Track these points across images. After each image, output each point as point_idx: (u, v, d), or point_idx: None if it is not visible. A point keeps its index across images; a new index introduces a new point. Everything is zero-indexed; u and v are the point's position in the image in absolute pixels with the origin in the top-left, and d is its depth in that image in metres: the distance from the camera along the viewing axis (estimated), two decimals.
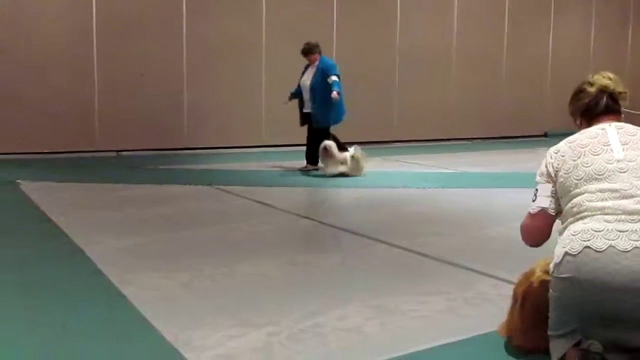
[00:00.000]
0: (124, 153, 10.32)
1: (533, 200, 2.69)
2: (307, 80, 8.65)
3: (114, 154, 10.25)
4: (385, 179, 8.07)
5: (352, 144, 8.37)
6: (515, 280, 2.88)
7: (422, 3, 12.78)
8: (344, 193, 6.93)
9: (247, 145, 11.33)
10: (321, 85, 8.41)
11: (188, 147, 10.92)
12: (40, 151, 9.76)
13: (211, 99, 11.05)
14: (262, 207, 6.11)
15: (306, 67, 8.77)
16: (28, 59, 9.69)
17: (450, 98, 13.20)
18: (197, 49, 10.87)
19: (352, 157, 8.11)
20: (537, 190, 2.69)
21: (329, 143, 8.12)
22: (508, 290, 2.99)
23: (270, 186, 7.34)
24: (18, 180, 7.36)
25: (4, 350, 2.76)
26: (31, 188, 6.92)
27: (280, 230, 5.19)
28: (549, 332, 2.50)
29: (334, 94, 8.27)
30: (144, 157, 10.00)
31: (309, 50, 8.77)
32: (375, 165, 9.29)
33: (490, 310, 3.27)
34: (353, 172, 8.07)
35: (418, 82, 12.81)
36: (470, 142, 12.99)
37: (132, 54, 10.33)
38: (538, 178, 2.69)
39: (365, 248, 4.59)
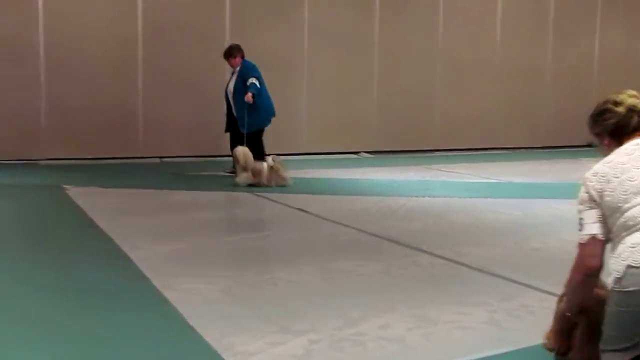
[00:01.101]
0: (166, 159, 10.46)
1: (580, 230, 2.60)
2: (230, 85, 8.59)
3: (157, 160, 10.41)
4: (425, 188, 8.02)
5: (393, 152, 8.34)
6: (559, 293, 2.83)
7: (465, 11, 12.69)
8: (384, 201, 6.91)
9: (288, 152, 11.38)
10: (242, 89, 8.29)
11: (230, 154, 11.00)
12: (86, 157, 9.96)
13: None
14: (303, 214, 6.13)
15: (232, 73, 8.69)
16: (75, 67, 9.90)
17: (492, 106, 13.06)
18: None
19: (271, 167, 7.80)
20: (581, 219, 2.60)
21: (241, 150, 7.85)
22: (552, 303, 2.95)
23: (311, 194, 7.36)
24: (65, 186, 7.51)
25: (52, 351, 2.83)
26: (77, 193, 7.07)
27: (320, 237, 5.20)
28: (603, 347, 2.46)
29: (247, 96, 8.14)
30: (186, 163, 10.13)
31: (229, 54, 8.63)
32: (415, 174, 9.25)
33: (534, 323, 3.22)
34: (269, 182, 7.68)
35: (459, 90, 12.71)
36: (511, 152, 12.83)
37: (175, 62, 10.48)
38: (580, 207, 2.61)
39: (407, 257, 4.57)
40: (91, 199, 6.72)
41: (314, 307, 3.45)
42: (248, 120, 8.24)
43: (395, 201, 6.96)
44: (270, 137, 11.33)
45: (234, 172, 8.18)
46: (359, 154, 11.87)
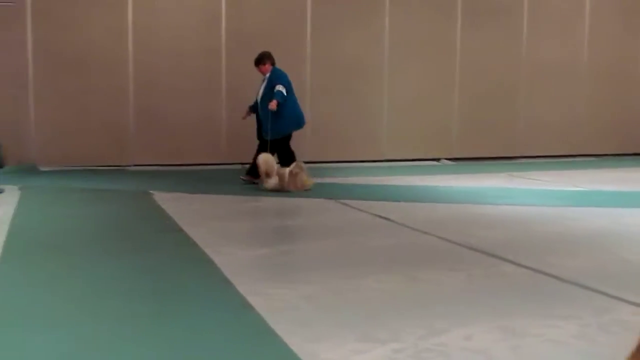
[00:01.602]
0: (248, 166, 10.61)
1: None
2: (260, 92, 8.53)
3: (239, 166, 10.58)
4: (509, 195, 7.83)
5: (475, 159, 8.20)
6: None
7: (551, 15, 12.35)
8: (466, 209, 6.79)
9: (368, 159, 11.38)
10: (269, 96, 8.23)
11: (310, 160, 11.09)
12: (171, 163, 10.25)
13: (333, 114, 11.19)
14: (384, 222, 6.09)
15: (263, 80, 8.62)
16: (162, 78, 10.23)
17: (579, 111, 12.65)
18: (320, 66, 11.06)
19: (290, 172, 7.82)
20: None
21: (262, 158, 7.91)
22: None
23: (392, 201, 7.31)
24: (151, 191, 7.75)
25: (137, 351, 2.90)
26: (163, 198, 7.28)
27: (402, 245, 5.15)
28: None
29: (272, 103, 8.09)
30: None
31: (258, 61, 8.58)
32: (498, 182, 9.05)
33: (629, 339, 3.07)
34: (289, 187, 7.76)
35: (545, 94, 12.38)
36: (600, 158, 12.37)
37: (257, 71, 10.66)
38: None
39: (491, 267, 4.46)
40: (176, 204, 6.91)
41: (397, 315, 3.41)
42: (271, 127, 8.27)
43: (478, 209, 6.83)
44: (350, 144, 11.40)
45: (252, 178, 8.32)
46: (440, 160, 11.73)
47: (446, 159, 11.81)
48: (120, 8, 10.01)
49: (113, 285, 3.95)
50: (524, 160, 12.01)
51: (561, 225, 5.97)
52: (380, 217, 6.28)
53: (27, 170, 9.34)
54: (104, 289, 3.87)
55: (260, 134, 8.59)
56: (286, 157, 8.31)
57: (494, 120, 12.08)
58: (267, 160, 7.93)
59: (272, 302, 3.61)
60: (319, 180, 9.08)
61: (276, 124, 8.31)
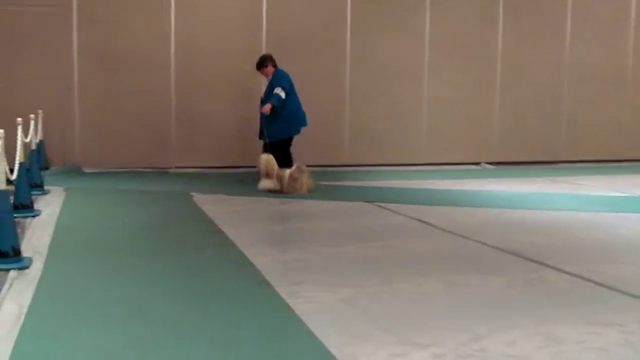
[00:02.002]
0: None
1: None
2: (263, 94, 8.54)
3: None
4: (551, 200, 7.73)
5: (516, 163, 8.09)
6: None
7: (595, 17, 12.14)
8: (506, 214, 6.72)
9: (407, 163, 11.33)
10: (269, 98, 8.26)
11: (348, 164, 11.11)
12: (211, 165, 10.36)
13: (372, 117, 11.18)
14: (423, 225, 6.07)
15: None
16: (202, 80, 10.34)
17: (623, 115, 12.40)
18: (359, 68, 11.06)
19: (291, 175, 7.77)
20: None
21: (264, 158, 7.92)
22: None
23: (431, 205, 7.28)
24: (192, 193, 7.85)
25: (178, 351, 2.95)
26: (203, 200, 7.36)
27: (441, 249, 5.13)
28: None
29: (265, 107, 8.14)
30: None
31: (260, 64, 8.58)
32: (540, 186, 8.93)
33: None
34: (288, 190, 7.72)
35: (588, 98, 12.16)
36: None
37: (297, 72, 10.70)
38: None
39: (532, 272, 4.41)
40: (216, 206, 6.98)
41: (436, 319, 3.40)
42: (270, 129, 8.31)
43: (518, 214, 6.75)
44: (388, 147, 11.36)
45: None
46: (480, 164, 11.62)
47: (486, 162, 11.70)
48: (163, 12, 10.17)
49: (157, 285, 4.02)
50: (565, 165, 11.83)
51: (603, 231, 5.86)
52: (419, 220, 6.25)
53: (71, 171, 9.54)
54: (148, 289, 3.94)
55: (261, 136, 8.63)
56: (283, 161, 8.22)
57: (536, 124, 11.92)
58: (268, 160, 7.97)
59: (311, 304, 3.63)
60: (357, 183, 9.09)
61: (274, 126, 8.36)
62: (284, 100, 8.30)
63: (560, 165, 11.82)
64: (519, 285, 4.11)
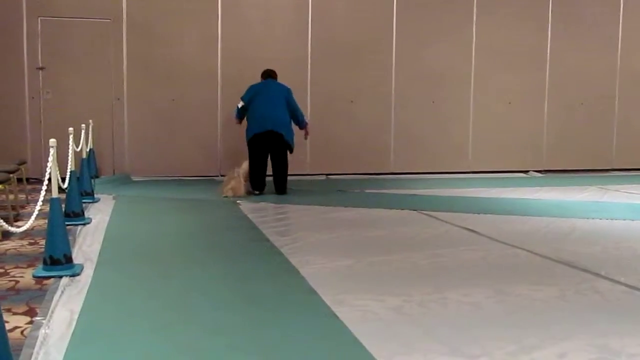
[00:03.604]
0: (332, 177, 10.69)
1: None
2: None
3: (323, 177, 10.66)
4: (602, 209, 7.54)
5: (565, 171, 7.93)
6: None
7: None
8: (556, 223, 6.58)
9: (453, 171, 11.23)
10: None
11: (394, 172, 11.06)
12: None
13: (418, 125, 11.12)
14: (470, 234, 5.99)
15: None
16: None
17: None
18: (405, 76, 11.01)
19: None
20: None
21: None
22: None
23: (478, 213, 7.18)
24: (238, 201, 7.91)
25: (225, 357, 2.96)
26: (249, 208, 7.41)
27: (489, 258, 5.04)
28: None
29: None
30: (351, 180, 10.29)
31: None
32: (590, 195, 8.73)
33: None
34: (227, 192, 8.29)
35: None
36: None
37: (342, 82, 10.73)
38: None
39: (584, 283, 4.30)
40: (261, 214, 7.02)
41: (486, 330, 3.34)
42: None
43: (568, 223, 6.61)
44: (434, 155, 11.27)
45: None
46: (529, 172, 11.44)
47: (535, 171, 11.51)
48: (210, 20, 10.30)
49: (205, 293, 4.04)
50: (617, 173, 11.55)
51: None
52: (466, 229, 6.17)
53: (121, 180, 9.72)
54: (197, 297, 3.97)
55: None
56: (251, 165, 8.66)
57: (586, 131, 11.69)
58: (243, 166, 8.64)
59: (358, 313, 3.61)
60: (403, 191, 9.03)
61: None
62: (237, 110, 8.88)
63: (611, 173, 11.55)
64: (571, 296, 4.01)
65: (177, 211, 7.34)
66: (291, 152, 8.80)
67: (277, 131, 8.58)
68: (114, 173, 10.09)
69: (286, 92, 8.82)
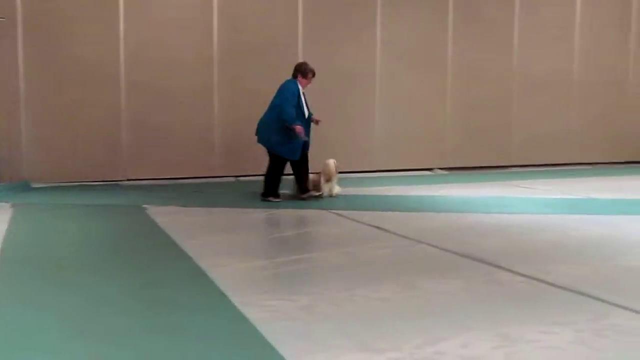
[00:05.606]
0: (242, 178, 10.61)
1: None
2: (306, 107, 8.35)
3: (232, 179, 10.57)
4: (504, 204, 7.84)
5: (468, 168, 8.19)
6: None
7: (541, 23, 12.41)
8: (461, 218, 6.79)
9: (360, 170, 11.37)
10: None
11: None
12: (164, 177, 10.22)
13: (323, 124, 11.16)
14: (378, 231, 6.08)
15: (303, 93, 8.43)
16: (154, 91, 10.19)
17: (572, 121, 12.69)
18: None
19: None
20: None
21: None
22: None
23: (386, 211, 7.31)
24: (144, 205, 7.72)
25: None
26: (156, 212, 7.24)
27: (397, 255, 5.14)
28: None
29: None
30: (261, 182, 10.21)
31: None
32: (493, 191, 9.06)
33: (624, 343, 3.08)
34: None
35: (538, 104, 12.42)
36: (594, 167, 12.40)
37: (250, 82, 10.67)
38: None
39: (487, 275, 4.46)
40: (170, 218, 6.88)
41: (394, 324, 3.40)
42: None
43: (473, 218, 6.83)
44: (341, 155, 11.35)
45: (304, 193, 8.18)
46: (433, 170, 11.74)
47: (439, 168, 11.83)
48: (112, 21, 9.99)
49: (109, 301, 3.92)
50: (517, 169, 12.04)
51: (556, 233, 5.97)
52: (375, 227, 6.26)
53: (19, 187, 9.28)
54: (100, 305, 3.84)
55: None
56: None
57: (487, 129, 12.10)
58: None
59: (268, 313, 3.59)
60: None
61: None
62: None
63: (512, 169, 12.02)
64: (475, 288, 4.15)
65: (80, 218, 7.08)
66: (284, 155, 8.12)
67: (260, 141, 8.29)
68: (11, 180, 9.62)
69: (280, 90, 8.24)
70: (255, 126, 8.64)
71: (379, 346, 3.05)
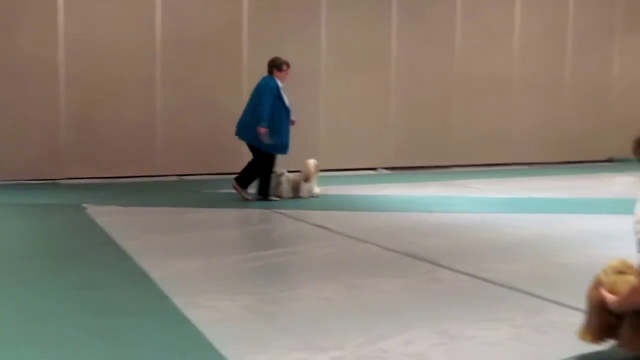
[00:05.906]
0: (185, 177, 10.49)
1: (639, 252, 2.50)
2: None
3: (175, 178, 10.45)
4: (445, 203, 7.98)
5: (411, 168, 8.30)
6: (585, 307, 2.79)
7: (482, 26, 12.67)
8: (404, 217, 6.88)
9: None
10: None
11: None
12: (105, 176, 10.02)
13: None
14: (322, 230, 6.11)
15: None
16: (94, 88, 9.98)
17: (510, 122, 13.00)
18: (257, 76, 11.00)
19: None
20: None
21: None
22: (578, 318, 2.90)
23: (329, 210, 7.34)
24: (84, 205, 7.55)
25: None
26: (96, 212, 7.10)
27: (340, 254, 5.18)
28: None
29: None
30: (205, 181, 10.15)
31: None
32: (435, 190, 9.20)
33: (560, 338, 3.17)
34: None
35: (477, 105, 12.67)
36: (531, 167, 12.73)
37: (193, 81, 10.56)
38: (638, 227, 2.51)
39: (428, 273, 4.53)
40: (110, 218, 6.75)
41: (337, 323, 3.42)
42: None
43: (414, 217, 6.93)
44: (286, 155, 11.35)
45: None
46: (377, 170, 11.85)
47: (383, 168, 11.95)
48: (51, 15, 9.74)
49: (46, 305, 3.81)
50: (458, 169, 12.26)
51: (495, 232, 6.11)
52: (319, 226, 6.29)
53: None
54: (37, 309, 3.74)
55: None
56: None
57: (429, 129, 12.28)
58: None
59: (210, 314, 3.57)
60: (253, 191, 9.03)
61: None
62: None
63: (453, 169, 12.24)
64: (416, 286, 4.21)
65: (16, 217, 6.88)
66: (267, 150, 7.99)
67: (246, 140, 8.23)
68: None
69: (259, 87, 8.26)
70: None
71: (322, 345, 3.07)
